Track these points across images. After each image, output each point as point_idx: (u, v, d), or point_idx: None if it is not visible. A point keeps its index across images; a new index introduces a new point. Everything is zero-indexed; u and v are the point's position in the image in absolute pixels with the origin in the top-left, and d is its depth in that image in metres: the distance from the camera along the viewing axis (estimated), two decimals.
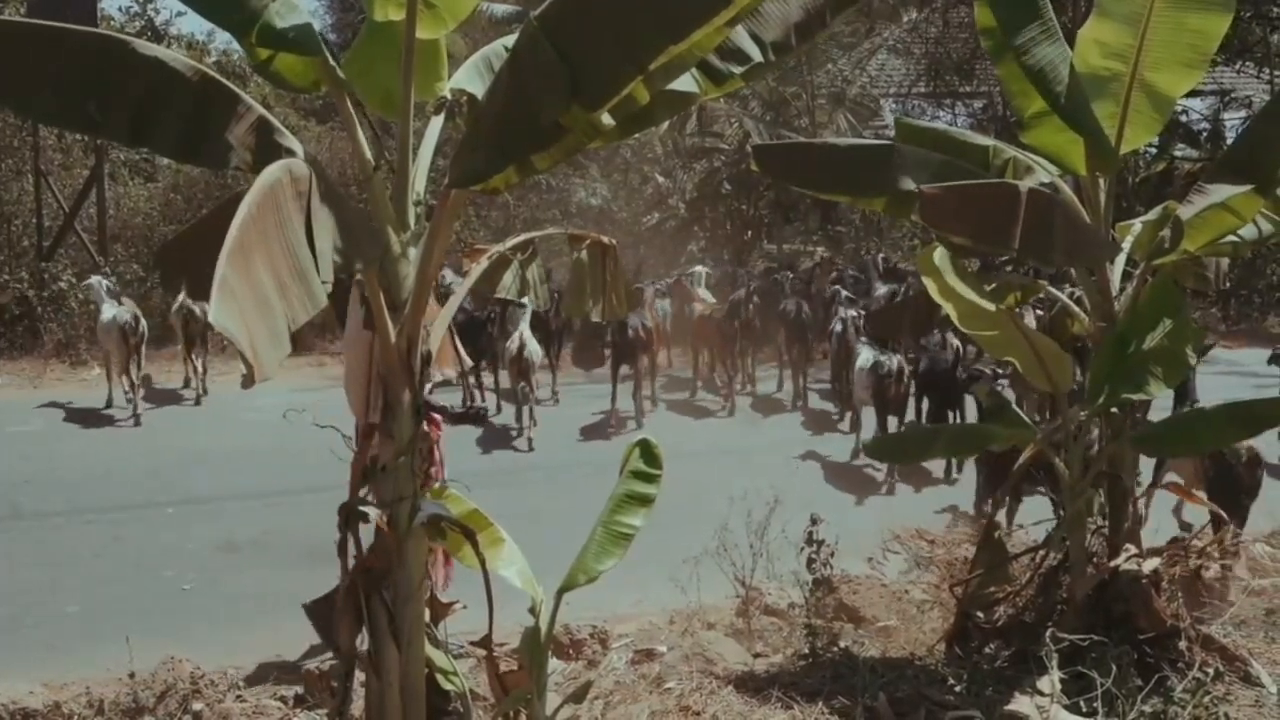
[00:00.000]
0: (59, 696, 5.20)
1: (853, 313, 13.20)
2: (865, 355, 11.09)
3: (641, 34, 2.99)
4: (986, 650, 5.22)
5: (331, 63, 3.73)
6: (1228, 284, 20.71)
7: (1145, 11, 4.96)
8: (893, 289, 15.87)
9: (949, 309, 5.30)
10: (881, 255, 20.40)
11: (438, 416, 6.14)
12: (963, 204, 4.55)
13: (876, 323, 12.01)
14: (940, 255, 4.95)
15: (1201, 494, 6.00)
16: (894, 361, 10.73)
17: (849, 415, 12.01)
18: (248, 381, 2.51)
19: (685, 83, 3.55)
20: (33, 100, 3.56)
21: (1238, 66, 25.18)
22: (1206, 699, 4.74)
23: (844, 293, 14.88)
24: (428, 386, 6.01)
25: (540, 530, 6.36)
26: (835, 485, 10.08)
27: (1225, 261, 6.00)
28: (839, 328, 12.96)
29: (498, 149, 3.30)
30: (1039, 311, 10.37)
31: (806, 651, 5.52)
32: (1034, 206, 4.50)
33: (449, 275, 12.99)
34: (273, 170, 2.91)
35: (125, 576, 7.60)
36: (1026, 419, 5.62)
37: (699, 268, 16.95)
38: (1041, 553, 5.38)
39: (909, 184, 5.15)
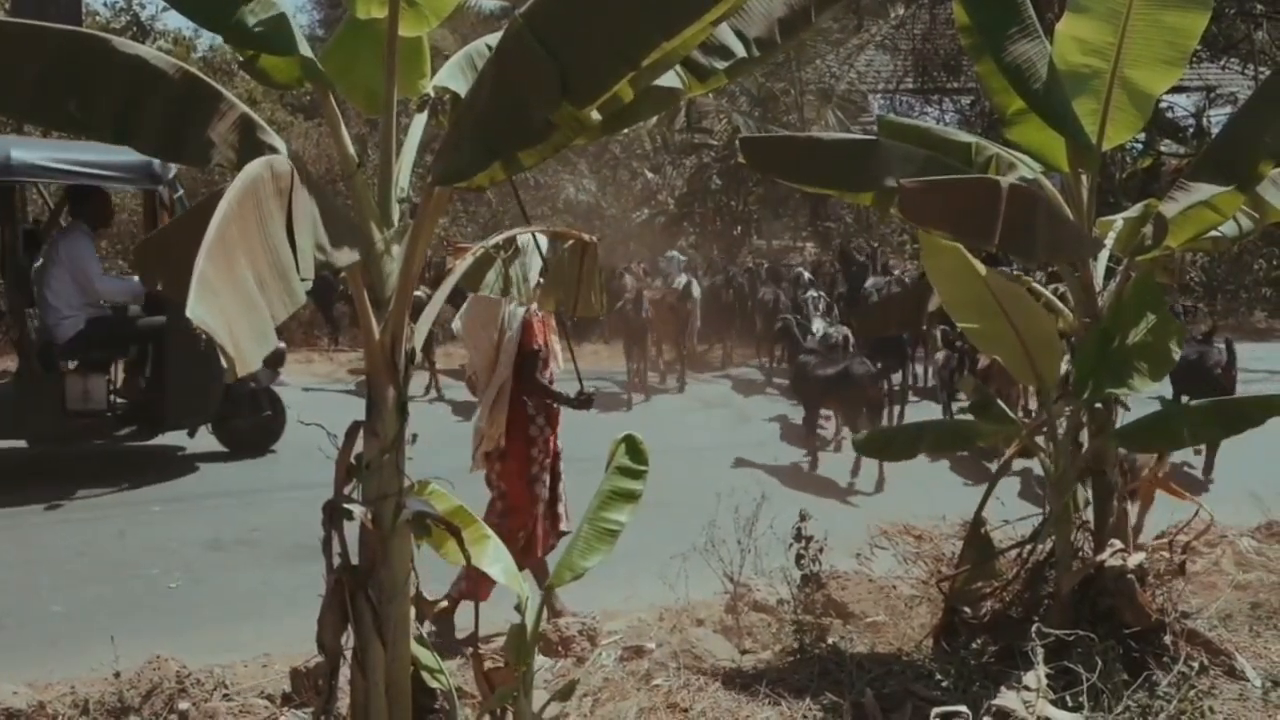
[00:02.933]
0: (44, 696, 5.16)
1: (814, 293, 14.83)
2: (816, 326, 12.73)
3: (633, 29, 2.97)
4: (973, 645, 5.22)
5: (311, 60, 3.71)
6: (1193, 277, 20.86)
7: (1124, 9, 4.97)
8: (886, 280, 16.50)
9: (941, 293, 5.30)
10: (880, 247, 20.59)
11: (557, 407, 6.41)
12: (942, 198, 4.55)
13: (865, 317, 12.45)
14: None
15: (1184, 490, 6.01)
16: (839, 333, 12.07)
17: None
18: (230, 375, 2.51)
19: (669, 79, 3.55)
20: (13, 98, 3.54)
21: (1223, 63, 25.29)
22: (1191, 693, 4.76)
23: (806, 275, 16.73)
24: (546, 375, 6.22)
25: None
26: (822, 479, 10.12)
27: (1196, 256, 6.06)
28: (807, 309, 14.47)
29: (483, 146, 3.29)
30: None
31: (795, 648, 5.52)
32: (1015, 202, 4.50)
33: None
34: (254, 166, 2.89)
35: (110, 575, 7.57)
36: (1011, 413, 5.62)
37: (672, 252, 17.35)
38: (1028, 548, 5.39)
39: (893, 179, 5.16)
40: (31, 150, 9.48)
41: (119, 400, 10.36)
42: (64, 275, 9.50)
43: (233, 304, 2.54)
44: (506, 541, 5.38)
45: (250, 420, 10.88)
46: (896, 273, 18.24)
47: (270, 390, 11.02)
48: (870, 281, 16.40)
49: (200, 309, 2.41)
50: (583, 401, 6.22)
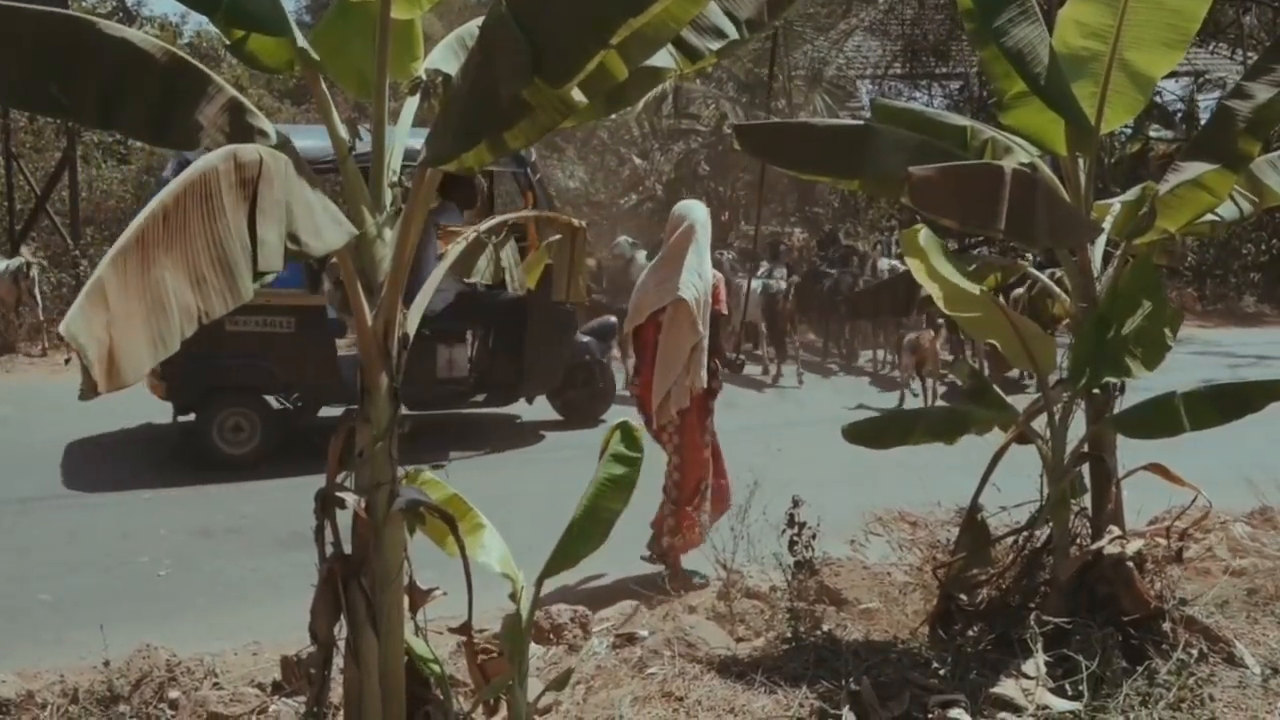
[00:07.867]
0: (32, 685, 5.12)
1: (730, 254, 17.15)
2: (755, 284, 14.51)
3: (601, 7, 2.96)
4: (970, 633, 5.19)
5: (303, 43, 3.66)
6: (1189, 262, 20.91)
7: None
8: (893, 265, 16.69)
9: (932, 291, 5.26)
10: (895, 239, 20.65)
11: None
12: (951, 185, 4.51)
13: (857, 305, 12.62)
14: (926, 236, 4.91)
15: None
16: (780, 285, 14.01)
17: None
18: (86, 394, 2.39)
19: (661, 59, 3.53)
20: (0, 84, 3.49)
21: (1212, 48, 25.29)
22: (1191, 681, 4.73)
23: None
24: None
25: (518, 515, 6.33)
26: (815, 466, 10.09)
27: (1190, 240, 6.06)
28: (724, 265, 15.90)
29: (468, 128, 3.26)
30: None
31: (789, 635, 5.48)
32: (1017, 187, 4.46)
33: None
34: (210, 157, 2.85)
35: (99, 563, 7.52)
36: (1006, 400, 5.59)
37: (621, 238, 17.66)
38: (1025, 535, 5.36)
39: (887, 164, 5.12)
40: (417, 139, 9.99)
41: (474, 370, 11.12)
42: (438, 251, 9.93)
43: (130, 312, 2.48)
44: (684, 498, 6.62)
45: (584, 391, 11.85)
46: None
47: (602, 363, 11.97)
48: (884, 264, 16.51)
49: (76, 325, 2.35)
50: (739, 365, 7.08)
